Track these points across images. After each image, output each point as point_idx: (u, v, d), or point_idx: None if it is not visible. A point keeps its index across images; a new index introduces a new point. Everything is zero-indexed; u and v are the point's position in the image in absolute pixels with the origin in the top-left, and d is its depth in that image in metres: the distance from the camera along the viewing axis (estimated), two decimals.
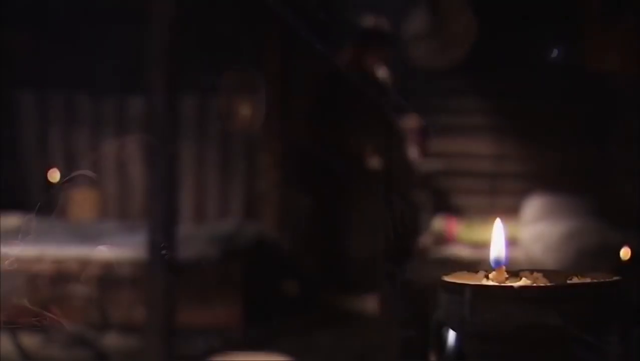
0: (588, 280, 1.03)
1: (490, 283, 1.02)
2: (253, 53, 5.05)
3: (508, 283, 1.01)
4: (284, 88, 5.02)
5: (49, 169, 5.28)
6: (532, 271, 1.07)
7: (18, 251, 4.36)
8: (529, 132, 5.32)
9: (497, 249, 1.03)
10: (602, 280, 1.01)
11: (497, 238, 1.04)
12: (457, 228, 4.80)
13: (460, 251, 4.61)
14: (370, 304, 4.69)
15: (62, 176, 5.25)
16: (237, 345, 4.04)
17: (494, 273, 1.03)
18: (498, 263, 1.03)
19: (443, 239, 4.74)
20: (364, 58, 4.36)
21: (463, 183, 5.40)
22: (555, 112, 5.14)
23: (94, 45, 5.29)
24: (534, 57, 4.78)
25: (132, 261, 4.28)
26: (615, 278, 1.01)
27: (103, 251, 4.42)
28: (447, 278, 1.04)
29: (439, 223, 4.89)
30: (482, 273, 1.06)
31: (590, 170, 4.95)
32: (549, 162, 5.28)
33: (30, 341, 3.76)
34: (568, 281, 1.02)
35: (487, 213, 4.74)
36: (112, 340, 4.13)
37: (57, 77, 5.35)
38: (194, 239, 4.46)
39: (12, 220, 4.85)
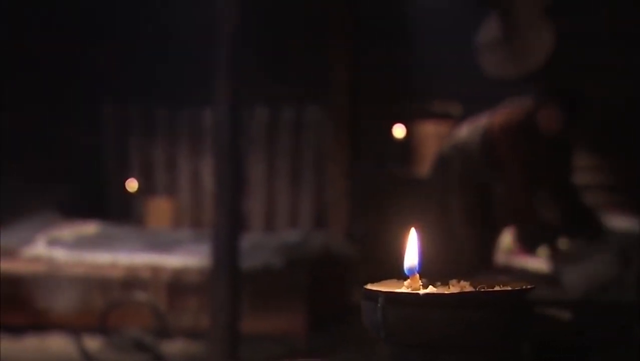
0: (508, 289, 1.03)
1: (403, 290, 1.03)
2: (321, 63, 5.09)
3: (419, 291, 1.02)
4: (352, 98, 5.04)
5: (127, 178, 5.45)
6: (459, 279, 1.08)
7: (93, 257, 4.50)
8: (606, 144, 5.20)
9: (410, 257, 1.04)
10: (508, 289, 1.01)
11: (410, 247, 1.05)
12: None
13: (525, 264, 4.54)
14: None
15: (139, 185, 5.43)
16: (301, 353, 4.07)
17: (408, 280, 1.05)
18: (411, 270, 1.04)
19: (511, 251, 4.67)
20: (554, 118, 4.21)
21: None
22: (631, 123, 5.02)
23: (171, 59, 5.43)
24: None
25: (199, 269, 4.38)
26: (526, 287, 1.01)
27: (173, 259, 4.54)
28: (369, 286, 1.06)
29: (508, 236, 4.82)
30: (405, 281, 1.07)
31: None
32: (630, 174, 5.15)
33: (93, 344, 3.89)
34: (478, 289, 1.03)
35: None
36: (177, 345, 4.23)
37: (136, 90, 5.50)
38: (262, 247, 4.52)
39: (90, 227, 5.03)
